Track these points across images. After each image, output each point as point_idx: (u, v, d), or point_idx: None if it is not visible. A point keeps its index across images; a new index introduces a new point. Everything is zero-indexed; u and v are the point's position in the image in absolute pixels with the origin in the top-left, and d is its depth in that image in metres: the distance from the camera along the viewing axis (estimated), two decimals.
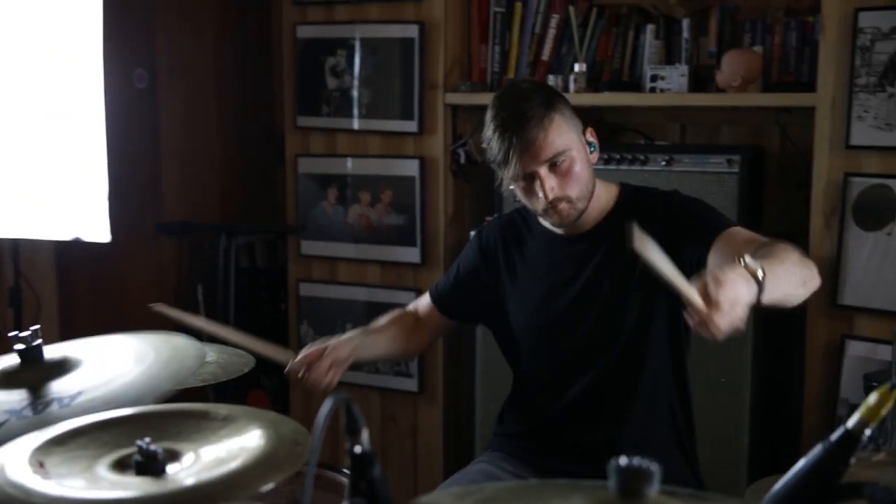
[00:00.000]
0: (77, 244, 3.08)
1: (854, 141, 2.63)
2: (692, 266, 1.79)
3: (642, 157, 2.91)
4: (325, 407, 0.97)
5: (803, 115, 2.78)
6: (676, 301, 1.82)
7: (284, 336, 3.62)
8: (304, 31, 3.41)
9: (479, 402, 3.12)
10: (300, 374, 1.96)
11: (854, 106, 2.62)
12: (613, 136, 3.22)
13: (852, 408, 2.45)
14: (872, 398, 1.08)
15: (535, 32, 3.16)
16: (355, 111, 3.36)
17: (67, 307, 3.42)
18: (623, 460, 0.92)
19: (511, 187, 1.94)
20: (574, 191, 1.89)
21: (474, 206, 3.36)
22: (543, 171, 1.86)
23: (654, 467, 0.92)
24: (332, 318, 3.47)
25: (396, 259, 3.35)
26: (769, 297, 1.55)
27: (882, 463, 1.26)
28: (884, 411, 1.07)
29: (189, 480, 1.21)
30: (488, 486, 1.03)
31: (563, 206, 1.89)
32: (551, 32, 3.14)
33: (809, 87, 2.76)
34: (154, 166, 3.59)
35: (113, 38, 3.06)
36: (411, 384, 3.36)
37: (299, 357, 1.97)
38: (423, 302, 2.21)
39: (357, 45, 3.32)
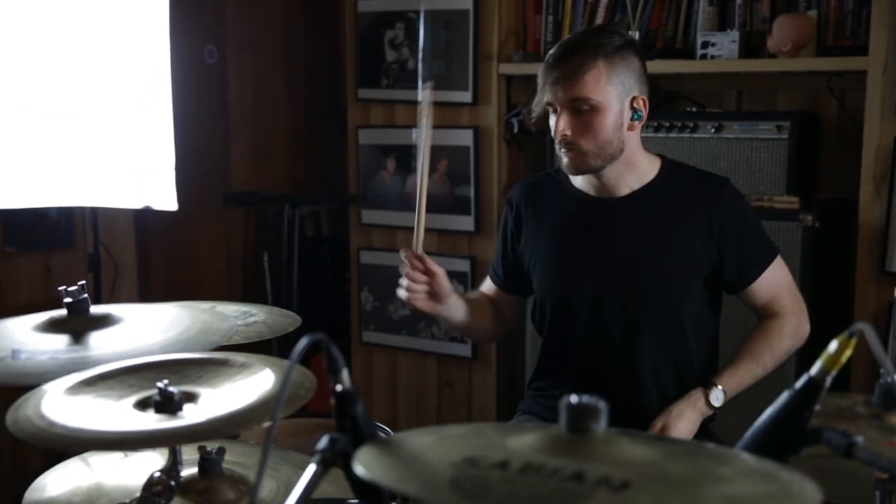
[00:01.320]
0: (150, 213, 3.25)
1: None
2: (717, 266, 1.99)
3: (691, 125, 2.91)
4: (300, 344, 1.05)
5: (859, 80, 2.74)
6: (706, 266, 1.99)
7: (346, 303, 3.74)
8: (365, 6, 3.50)
9: (530, 367, 3.17)
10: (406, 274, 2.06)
11: None
12: (669, 103, 3.21)
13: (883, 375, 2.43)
14: (832, 346, 1.11)
15: (589, 1, 3.18)
16: (414, 83, 3.43)
17: (144, 272, 3.61)
18: (573, 398, 0.98)
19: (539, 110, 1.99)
20: (587, 143, 1.90)
21: (527, 174, 3.40)
22: (565, 109, 1.90)
23: (602, 405, 0.98)
24: (391, 286, 3.55)
25: (452, 227, 3.42)
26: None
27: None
28: (843, 359, 1.11)
29: (199, 418, 1.32)
30: (452, 427, 1.10)
31: (572, 151, 1.92)
32: (604, 1, 3.15)
33: (865, 51, 2.71)
34: (223, 139, 3.74)
35: (183, 14, 3.21)
36: (465, 350, 3.44)
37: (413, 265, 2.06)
38: (488, 286, 2.23)
39: (416, 18, 3.39)
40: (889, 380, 1.23)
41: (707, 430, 2.03)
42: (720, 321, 2.09)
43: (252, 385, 1.42)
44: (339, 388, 1.15)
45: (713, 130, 2.88)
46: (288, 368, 1.04)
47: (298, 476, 1.77)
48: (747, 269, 2.00)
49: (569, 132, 1.89)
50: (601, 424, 0.98)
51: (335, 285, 3.91)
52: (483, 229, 3.37)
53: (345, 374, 1.15)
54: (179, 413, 1.35)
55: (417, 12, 3.38)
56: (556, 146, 1.96)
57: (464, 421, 3.51)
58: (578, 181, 2.04)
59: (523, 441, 1.00)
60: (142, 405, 1.38)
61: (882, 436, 1.25)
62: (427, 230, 3.41)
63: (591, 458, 0.94)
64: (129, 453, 1.66)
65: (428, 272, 2.04)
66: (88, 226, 3.43)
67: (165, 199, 3.17)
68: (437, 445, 1.03)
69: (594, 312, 2.03)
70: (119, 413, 1.36)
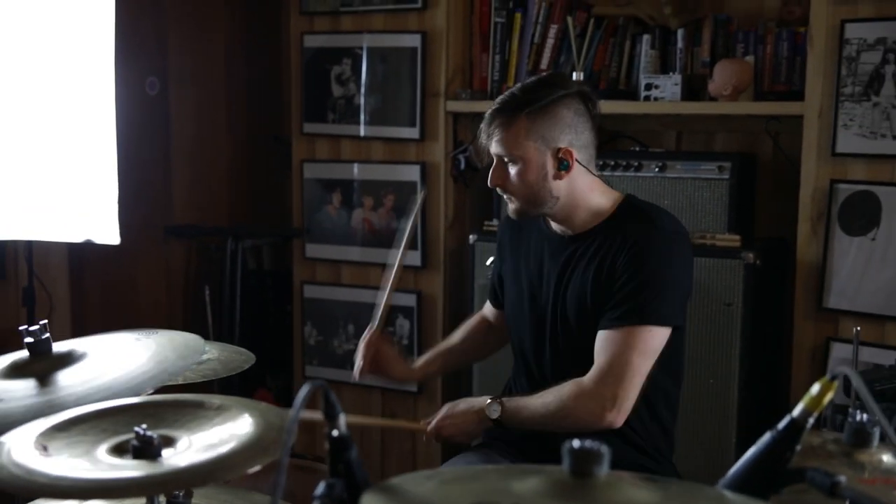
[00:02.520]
0: (88, 246, 3.18)
1: (840, 149, 2.70)
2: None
3: (636, 164, 2.99)
4: (302, 392, 1.05)
5: (794, 124, 2.85)
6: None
7: (289, 337, 3.71)
8: (311, 41, 3.51)
9: (477, 387, 3.20)
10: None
11: (840, 115, 2.69)
12: (612, 142, 3.29)
13: (837, 409, 2.52)
14: (815, 389, 1.15)
15: (535, 42, 3.25)
16: (360, 118, 3.45)
17: (79, 306, 3.52)
18: (576, 442, 1.00)
19: None
20: (515, 192, 2.02)
21: (474, 211, 3.45)
22: (496, 161, 2.04)
23: (605, 449, 1.00)
24: (336, 320, 3.56)
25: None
26: (512, 426, 2.02)
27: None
28: (825, 400, 1.15)
29: (182, 463, 1.29)
30: (452, 469, 1.11)
31: (506, 196, 2.06)
32: (550, 42, 3.22)
33: (800, 96, 2.83)
34: (164, 171, 3.69)
35: (126, 46, 3.16)
36: (411, 384, 3.44)
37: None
38: (487, 306, 2.40)
39: (362, 54, 3.41)
40: (862, 419, 1.29)
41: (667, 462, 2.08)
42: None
43: (230, 429, 1.40)
44: (335, 433, 1.16)
45: (657, 169, 2.96)
46: (293, 414, 1.03)
47: None
48: (612, 307, 1.93)
49: (498, 182, 2.03)
50: (604, 468, 1.00)
51: (277, 319, 3.87)
52: (429, 264, 3.39)
53: (342, 419, 1.16)
54: (159, 459, 1.33)
55: (364, 48, 3.40)
56: (499, 193, 2.09)
57: (406, 455, 3.50)
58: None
59: (528, 485, 1.01)
60: (118, 451, 1.36)
61: (854, 473, 1.30)
62: (374, 264, 3.46)
63: (596, 502, 0.96)
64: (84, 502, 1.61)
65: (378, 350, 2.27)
66: (23, 259, 3.34)
67: (107, 232, 3.11)
68: (441, 491, 1.03)
69: (535, 345, 2.12)
70: (96, 460, 1.33)
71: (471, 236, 3.20)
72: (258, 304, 3.83)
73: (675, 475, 2.11)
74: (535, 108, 1.96)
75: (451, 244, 3.38)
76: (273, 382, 3.86)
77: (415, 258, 3.40)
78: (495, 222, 3.17)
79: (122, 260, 3.46)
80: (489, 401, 2.02)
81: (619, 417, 1.91)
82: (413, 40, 3.31)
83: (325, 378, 3.48)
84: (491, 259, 2.94)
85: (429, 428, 2.08)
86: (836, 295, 2.73)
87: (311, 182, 3.57)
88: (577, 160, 1.99)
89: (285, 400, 3.76)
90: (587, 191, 2.04)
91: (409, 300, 3.42)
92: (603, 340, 1.94)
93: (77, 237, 3.15)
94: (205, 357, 2.15)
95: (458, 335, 2.40)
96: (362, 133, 3.46)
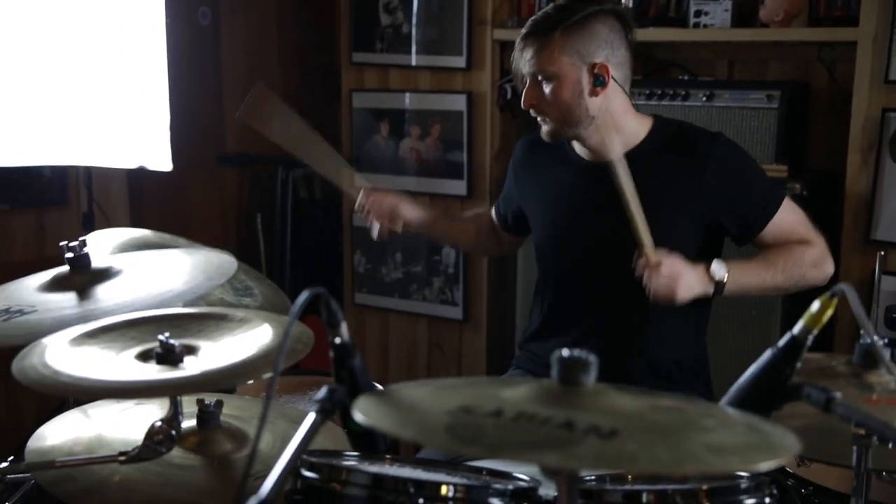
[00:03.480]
0: (145, 173, 3.27)
1: (893, 76, 2.61)
2: (713, 225, 2.00)
3: (683, 93, 2.93)
4: (301, 298, 1.09)
5: (850, 51, 2.76)
6: (701, 221, 2.00)
7: (339, 264, 3.77)
8: None
9: (520, 329, 3.23)
10: (364, 211, 2.26)
11: (895, 41, 2.59)
12: (662, 71, 3.24)
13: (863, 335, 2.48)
14: (815, 306, 1.16)
15: None
16: (408, 47, 3.45)
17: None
18: (565, 351, 1.02)
19: None
20: (550, 112, 2.00)
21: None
22: (529, 80, 2.01)
23: (592, 358, 1.02)
24: (383, 249, 3.61)
25: (445, 191, 3.45)
26: (732, 293, 1.94)
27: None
28: (825, 318, 1.15)
29: (199, 369, 1.35)
30: (446, 379, 1.15)
31: (540, 118, 2.04)
32: None
33: (855, 22, 2.73)
34: (216, 100, 3.75)
35: None
36: (456, 312, 3.48)
37: (366, 198, 2.25)
38: (492, 210, 2.42)
39: None
40: (868, 340, 1.28)
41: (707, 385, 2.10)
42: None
43: (250, 339, 1.46)
44: (337, 340, 1.20)
45: (704, 99, 2.90)
46: (289, 322, 1.07)
47: (294, 430, 1.83)
48: (752, 221, 2.00)
49: (532, 102, 2.01)
50: (591, 377, 1.02)
51: (328, 248, 3.94)
52: (475, 194, 3.40)
53: (343, 327, 1.19)
54: (180, 365, 1.39)
55: None
56: (533, 115, 2.06)
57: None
58: (576, 145, 2.09)
59: (516, 392, 1.04)
60: (143, 357, 1.42)
61: (860, 393, 1.30)
62: (419, 193, 3.49)
63: (581, 408, 0.98)
64: (128, 404, 1.69)
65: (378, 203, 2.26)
66: (82, 185, 3.44)
67: (160, 159, 3.19)
68: (432, 396, 1.07)
69: (585, 274, 2.08)
70: (121, 364, 1.40)
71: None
72: (310, 233, 3.90)
73: (709, 392, 2.12)
74: (570, 24, 1.95)
75: (496, 174, 3.38)
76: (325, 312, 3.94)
77: (460, 188, 3.41)
78: None
79: (178, 187, 3.55)
80: (714, 261, 1.91)
81: (832, 267, 2.05)
82: None
83: (374, 306, 3.57)
84: None
85: (651, 260, 1.86)
86: (884, 227, 2.67)
87: (359, 111, 3.60)
88: (613, 77, 1.98)
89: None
90: (623, 112, 2.02)
91: None
92: (773, 231, 2.00)
93: (132, 163, 3.24)
94: (246, 300, 2.24)
95: (467, 214, 2.47)
96: (413, 62, 3.46)
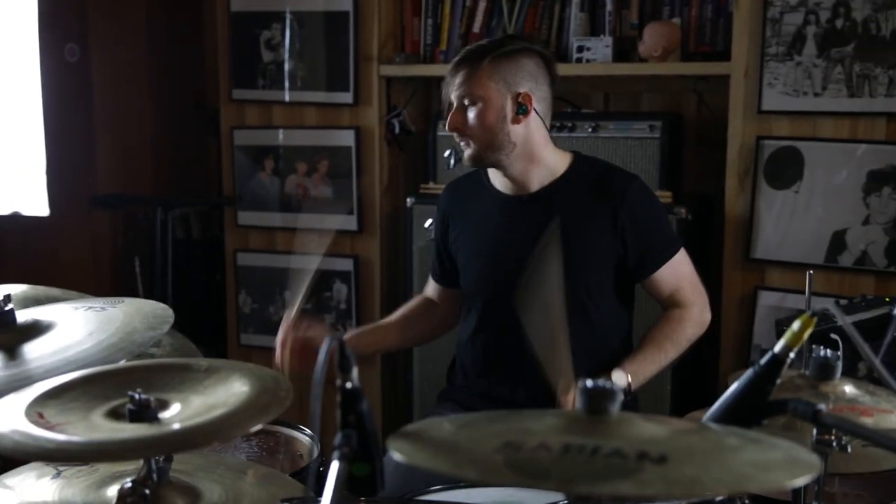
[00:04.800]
0: (15, 217, 3.09)
1: (765, 106, 2.83)
2: (622, 259, 2.11)
3: (570, 125, 3.06)
4: (325, 345, 1.08)
5: (719, 83, 2.97)
6: (612, 259, 2.10)
7: (222, 305, 3.68)
8: (237, 4, 3.45)
9: (417, 364, 3.25)
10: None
11: (765, 74, 2.81)
12: None
13: (764, 352, 2.66)
14: (796, 325, 1.24)
15: (466, 6, 3.28)
16: (290, 83, 3.43)
17: (5, 278, 3.41)
18: (589, 382, 1.06)
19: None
20: (474, 136, 2.08)
21: (409, 175, 3.48)
22: (456, 104, 2.09)
23: (618, 388, 1.06)
24: (271, 287, 3.55)
25: (334, 227, 3.43)
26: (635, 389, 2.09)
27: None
28: (805, 336, 1.24)
29: (182, 424, 1.30)
30: (457, 417, 1.16)
31: (463, 142, 2.11)
32: (482, 5, 3.26)
33: (724, 56, 2.94)
34: (88, 140, 3.59)
35: (46, 13, 3.06)
36: None
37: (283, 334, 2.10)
38: (429, 282, 2.37)
39: (291, 18, 3.38)
40: (825, 354, 1.38)
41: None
42: (633, 316, 2.22)
43: (223, 390, 1.42)
44: (348, 385, 1.19)
45: (590, 130, 3.04)
46: (321, 364, 1.06)
47: (244, 479, 1.78)
48: (648, 262, 2.13)
49: (457, 125, 2.08)
50: (617, 406, 1.06)
51: (208, 288, 3.83)
52: (365, 229, 3.41)
53: (355, 372, 1.19)
54: (156, 421, 1.33)
55: (295, 13, 3.37)
56: (457, 140, 2.13)
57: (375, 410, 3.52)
58: (496, 180, 2.15)
59: (546, 424, 1.06)
60: (114, 415, 1.35)
61: (819, 402, 1.40)
62: (309, 230, 3.45)
63: (616, 437, 1.01)
64: (62, 470, 1.60)
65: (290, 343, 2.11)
66: None
67: (35, 203, 3.04)
68: (465, 434, 1.08)
69: (508, 306, 2.13)
70: (94, 424, 1.33)
71: (408, 199, 3.22)
72: (189, 273, 3.78)
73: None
74: (499, 54, 2.05)
75: (386, 208, 3.40)
76: (207, 352, 3.81)
77: (351, 223, 3.41)
78: (431, 185, 3.21)
79: (47, 231, 3.37)
80: (613, 371, 2.02)
81: (710, 313, 2.22)
82: (344, 4, 3.30)
83: (261, 346, 3.49)
84: (430, 221, 2.97)
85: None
86: (762, 246, 2.88)
87: (241, 148, 3.54)
88: (535, 109, 2.06)
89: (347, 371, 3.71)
90: (542, 145, 2.11)
91: (345, 265, 3.44)
92: (664, 276, 2.14)
93: (4, 209, 3.06)
94: (156, 350, 2.15)
95: (396, 314, 2.33)
96: (296, 98, 3.43)
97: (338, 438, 1.13)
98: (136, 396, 1.33)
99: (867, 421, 1.36)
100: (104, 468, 1.52)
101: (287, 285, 3.50)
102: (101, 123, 3.63)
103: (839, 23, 2.71)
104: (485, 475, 0.94)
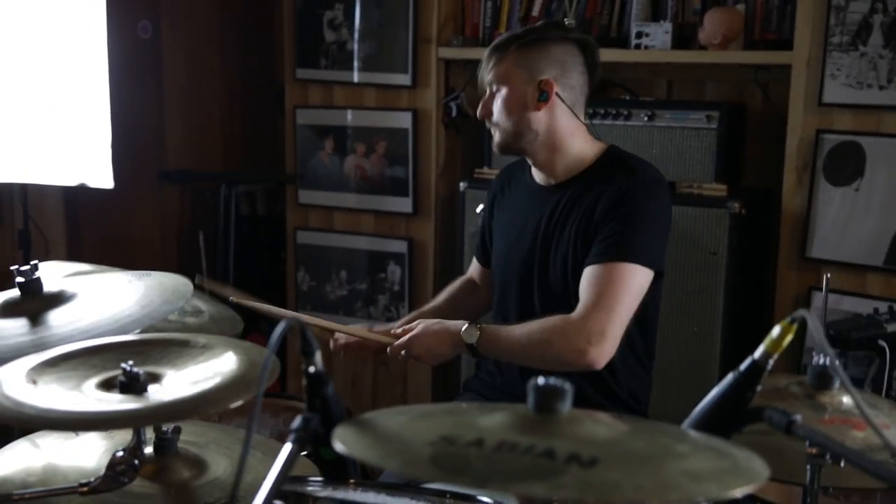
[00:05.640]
0: (83, 190, 3.21)
1: (827, 98, 2.72)
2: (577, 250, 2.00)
3: (626, 113, 3.00)
4: (278, 329, 1.09)
5: (783, 73, 2.86)
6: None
7: (282, 282, 3.75)
8: None
9: None
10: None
11: (828, 64, 2.70)
12: (602, 91, 3.30)
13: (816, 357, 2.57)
14: (776, 331, 1.20)
15: None
16: (352, 64, 3.46)
17: (74, 249, 3.56)
18: (540, 379, 1.05)
19: None
20: (499, 123, 2.08)
21: (465, 158, 3.47)
22: (487, 90, 2.10)
23: (568, 386, 1.04)
24: (328, 266, 3.61)
25: (389, 209, 3.47)
26: (488, 355, 2.03)
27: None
28: (785, 343, 1.19)
29: (166, 398, 1.34)
30: (427, 406, 1.16)
31: (491, 128, 2.12)
32: None
33: (789, 45, 2.83)
34: (157, 116, 3.70)
35: None
36: None
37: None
38: (473, 262, 2.40)
39: None
40: (824, 362, 1.33)
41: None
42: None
43: (214, 366, 1.45)
44: (311, 369, 1.20)
45: (646, 118, 2.97)
46: (269, 351, 1.08)
47: (252, 455, 1.81)
48: (592, 252, 1.95)
49: (482, 110, 2.10)
50: (567, 405, 1.04)
51: (271, 265, 3.92)
52: (420, 211, 3.42)
53: (318, 356, 1.20)
54: (144, 394, 1.37)
55: None
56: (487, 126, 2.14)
57: (397, 400, 3.56)
58: (533, 169, 2.15)
59: (493, 420, 1.05)
60: (106, 385, 1.40)
61: (814, 414, 1.35)
62: (365, 211, 3.49)
63: (559, 437, 1.00)
64: (81, 434, 1.66)
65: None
66: (17, 202, 3.37)
67: (100, 176, 3.14)
68: (411, 425, 1.08)
69: (523, 295, 2.14)
70: (84, 394, 1.38)
71: (461, 183, 3.22)
72: (252, 250, 3.87)
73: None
74: (528, 41, 2.05)
75: (442, 191, 3.41)
76: (267, 327, 3.91)
77: (406, 205, 3.43)
78: (486, 170, 3.20)
79: (117, 204, 3.49)
80: (467, 325, 1.95)
81: (602, 355, 1.86)
82: None
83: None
84: (481, 207, 2.97)
85: (396, 343, 1.99)
86: (819, 244, 2.77)
87: (303, 128, 3.59)
88: (558, 95, 2.03)
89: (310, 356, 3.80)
90: (568, 134, 2.06)
91: (400, 247, 3.46)
92: (589, 276, 1.92)
93: (72, 181, 3.18)
94: (198, 310, 2.21)
95: (441, 296, 2.35)
96: (357, 79, 3.46)
97: (296, 422, 1.14)
98: (128, 369, 1.38)
99: (858, 435, 1.31)
100: (120, 434, 1.58)
101: (343, 265, 3.56)
102: (171, 100, 3.73)
103: None
104: (408, 468, 0.94)
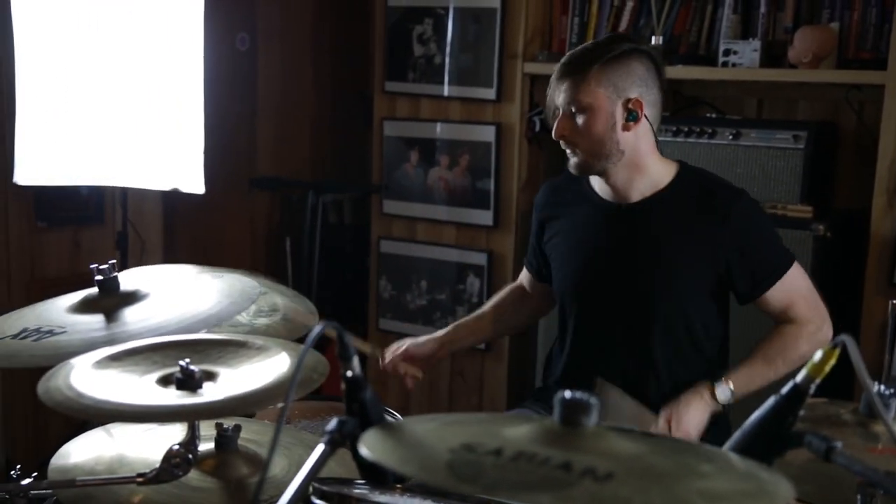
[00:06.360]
0: (177, 195, 3.34)
1: None
2: (725, 278, 2.03)
3: (710, 131, 2.95)
4: (314, 331, 1.12)
5: (876, 93, 2.77)
6: (713, 275, 2.03)
7: (365, 289, 3.82)
8: (395, 0, 3.57)
9: (541, 360, 3.24)
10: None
11: None
12: (690, 108, 3.26)
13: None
14: (818, 356, 1.17)
15: (614, 4, 3.23)
16: (440, 78, 3.50)
17: (170, 252, 3.70)
18: (567, 393, 1.05)
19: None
20: (581, 143, 2.01)
21: (547, 172, 3.47)
22: (563, 112, 2.02)
23: (594, 401, 1.04)
24: (409, 275, 3.65)
25: (471, 221, 3.49)
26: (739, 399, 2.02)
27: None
28: (827, 367, 1.16)
29: (217, 396, 1.39)
30: (455, 415, 1.17)
31: (569, 150, 2.05)
32: (630, 5, 3.20)
33: (884, 64, 2.74)
34: (250, 124, 3.82)
35: (217, 2, 3.28)
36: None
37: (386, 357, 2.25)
38: (524, 276, 2.39)
39: (444, 14, 3.45)
40: (878, 390, 1.29)
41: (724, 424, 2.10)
42: (730, 322, 2.14)
43: (268, 367, 1.50)
44: (349, 373, 1.23)
45: (731, 137, 2.92)
46: (301, 353, 1.11)
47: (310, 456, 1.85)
48: (759, 281, 2.03)
49: (564, 133, 2.02)
50: (592, 419, 1.04)
51: (355, 272, 3.99)
52: (501, 224, 3.44)
53: (355, 361, 1.22)
54: (199, 391, 1.43)
55: (446, 8, 3.44)
56: (563, 147, 2.07)
57: (475, 409, 3.58)
58: (597, 185, 2.12)
59: (519, 431, 1.06)
60: (164, 381, 1.46)
61: (865, 442, 1.31)
62: (447, 222, 3.53)
63: (580, 450, 1.00)
64: (151, 425, 1.74)
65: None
66: (118, 204, 3.52)
67: (193, 181, 3.26)
68: (438, 431, 1.10)
69: (604, 314, 2.10)
70: (142, 388, 1.44)
71: None
72: (337, 257, 3.95)
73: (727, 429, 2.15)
74: (608, 58, 1.98)
75: (523, 205, 3.41)
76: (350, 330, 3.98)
77: (487, 217, 3.45)
78: None
79: (210, 209, 3.62)
80: (708, 387, 1.99)
81: (830, 330, 2.08)
82: (493, 1, 3.33)
83: (398, 332, 3.61)
84: None
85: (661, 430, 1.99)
86: None
87: (390, 139, 3.65)
88: (644, 115, 2.01)
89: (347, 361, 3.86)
90: (649, 153, 2.05)
91: (479, 259, 3.48)
92: (776, 295, 2.03)
93: (165, 185, 3.31)
94: (274, 308, 2.26)
95: (488, 304, 2.37)
96: (444, 93, 3.51)
97: (331, 424, 1.17)
98: (185, 366, 1.44)
99: None
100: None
101: (424, 275, 3.60)
102: (264, 109, 3.85)
103: None
104: (424, 474, 0.96)
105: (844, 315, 2.90)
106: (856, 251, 2.89)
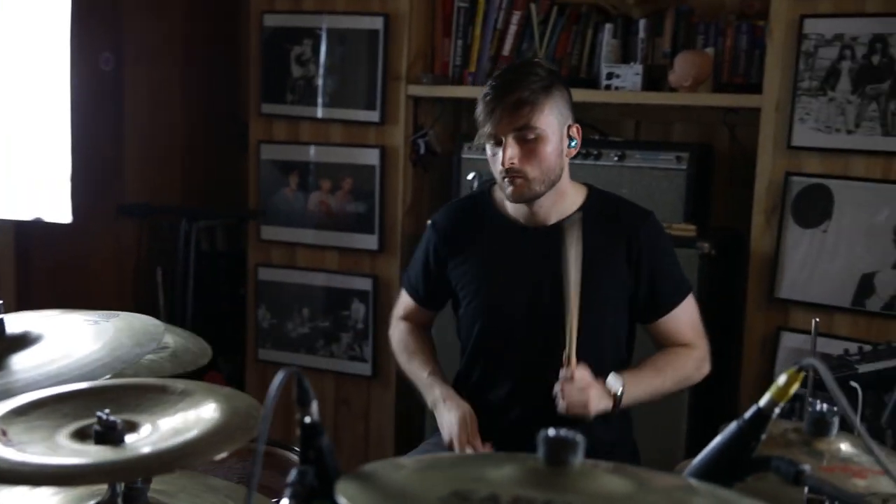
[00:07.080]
0: (37, 224, 3.11)
1: (796, 142, 2.75)
2: (633, 296, 2.06)
3: (595, 152, 3.00)
4: (277, 379, 1.04)
5: (751, 116, 2.89)
6: (626, 294, 2.04)
7: (242, 319, 3.67)
8: (271, 20, 3.46)
9: None
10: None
11: (797, 108, 2.73)
12: None
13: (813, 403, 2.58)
14: (782, 379, 1.18)
15: (497, 28, 3.25)
16: (319, 100, 3.42)
17: (25, 285, 3.44)
18: (551, 431, 1.01)
19: (484, 145, 2.03)
20: (532, 171, 1.96)
21: (432, 196, 3.44)
22: (511, 139, 1.95)
23: (580, 438, 1.01)
24: (290, 303, 3.54)
25: (354, 245, 3.42)
26: (626, 404, 2.00)
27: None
28: (791, 391, 1.17)
29: (146, 449, 1.27)
30: (429, 457, 1.11)
31: (518, 180, 1.97)
32: (513, 28, 3.22)
33: (757, 88, 2.87)
34: (117, 149, 3.61)
35: (80, 21, 3.09)
36: (365, 368, 3.44)
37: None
38: (407, 307, 2.28)
39: (323, 35, 3.38)
40: (821, 409, 1.32)
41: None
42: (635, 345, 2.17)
43: (194, 414, 1.38)
44: (307, 419, 1.15)
45: (616, 158, 2.98)
46: (268, 401, 1.02)
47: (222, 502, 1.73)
48: (660, 304, 2.08)
49: (515, 161, 1.95)
50: (578, 457, 1.01)
51: (230, 301, 3.83)
52: (386, 248, 3.38)
53: (314, 406, 1.15)
54: (122, 444, 1.31)
55: (325, 29, 3.36)
56: (499, 176, 2.00)
57: (360, 439, 3.49)
58: (509, 207, 2.09)
59: (503, 473, 1.01)
60: (80, 435, 1.33)
61: (812, 460, 1.33)
62: (329, 248, 3.44)
63: (573, 491, 0.96)
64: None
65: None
66: None
67: (58, 210, 3.05)
68: (418, 479, 1.03)
69: (523, 334, 2.08)
70: (56, 445, 1.30)
71: (428, 221, 3.17)
72: (211, 286, 3.79)
73: (636, 454, 2.17)
74: (548, 84, 1.96)
75: (408, 229, 3.37)
76: (225, 365, 3.82)
77: (371, 242, 3.39)
78: None
79: (73, 238, 3.39)
80: (612, 375, 1.98)
81: (709, 366, 2.14)
82: (375, 22, 3.28)
83: (278, 362, 3.47)
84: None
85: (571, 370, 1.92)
86: (787, 286, 2.79)
87: (267, 163, 3.53)
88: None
89: (236, 383, 3.72)
90: (567, 177, 2.07)
91: (364, 284, 3.41)
92: (670, 320, 2.08)
93: (27, 215, 3.08)
94: (164, 345, 2.11)
95: (419, 348, 2.25)
96: (326, 115, 3.42)
97: (292, 475, 1.09)
98: (104, 417, 1.31)
99: (860, 483, 1.28)
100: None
101: (306, 302, 3.49)
102: (131, 132, 3.65)
103: (875, 59, 2.63)
104: None
105: (728, 331, 3.01)
106: (734, 268, 3.01)
